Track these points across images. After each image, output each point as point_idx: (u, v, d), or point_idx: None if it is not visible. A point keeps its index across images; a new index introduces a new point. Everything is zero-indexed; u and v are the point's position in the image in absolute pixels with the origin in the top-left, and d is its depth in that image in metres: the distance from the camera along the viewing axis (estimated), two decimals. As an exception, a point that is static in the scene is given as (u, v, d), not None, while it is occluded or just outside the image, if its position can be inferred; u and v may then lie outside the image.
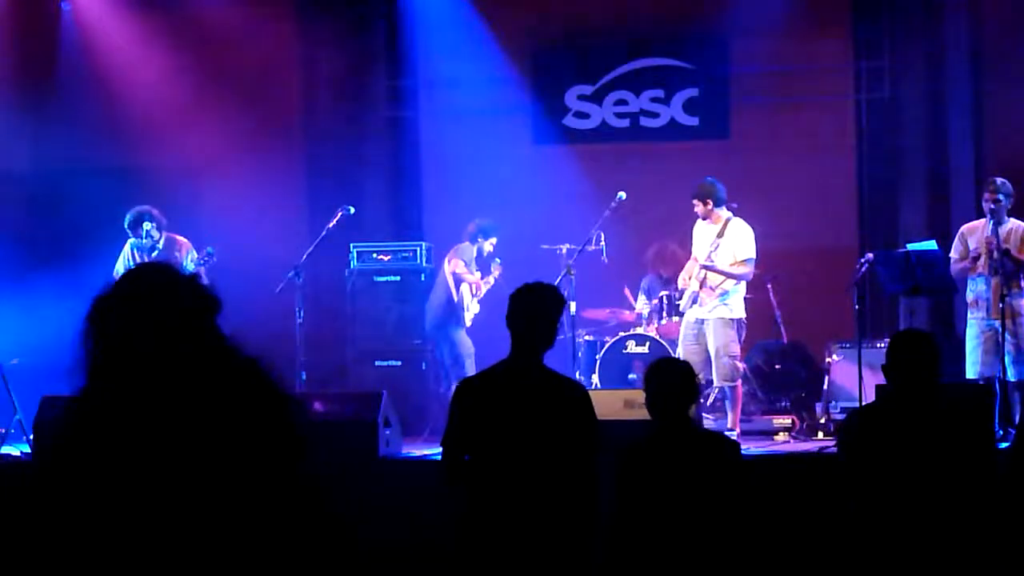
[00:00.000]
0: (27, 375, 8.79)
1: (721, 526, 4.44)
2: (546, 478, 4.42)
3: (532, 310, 4.58)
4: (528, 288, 4.69)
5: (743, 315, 8.56)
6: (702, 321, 8.52)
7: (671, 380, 4.60)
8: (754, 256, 8.54)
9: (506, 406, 4.50)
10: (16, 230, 10.82)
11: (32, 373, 8.60)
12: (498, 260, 9.82)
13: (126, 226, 8.98)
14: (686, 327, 8.65)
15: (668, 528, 4.45)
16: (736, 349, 8.50)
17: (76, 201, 10.60)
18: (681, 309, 8.78)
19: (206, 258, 8.88)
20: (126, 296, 2.23)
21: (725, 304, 8.47)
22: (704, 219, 8.63)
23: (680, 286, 8.82)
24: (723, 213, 8.59)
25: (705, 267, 8.46)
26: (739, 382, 8.54)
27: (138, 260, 8.90)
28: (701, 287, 8.50)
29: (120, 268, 8.85)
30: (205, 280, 2.43)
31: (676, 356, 8.59)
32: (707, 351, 8.47)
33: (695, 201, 8.59)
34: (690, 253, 8.81)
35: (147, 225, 8.91)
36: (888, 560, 4.47)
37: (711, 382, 8.59)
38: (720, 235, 8.53)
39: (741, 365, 8.71)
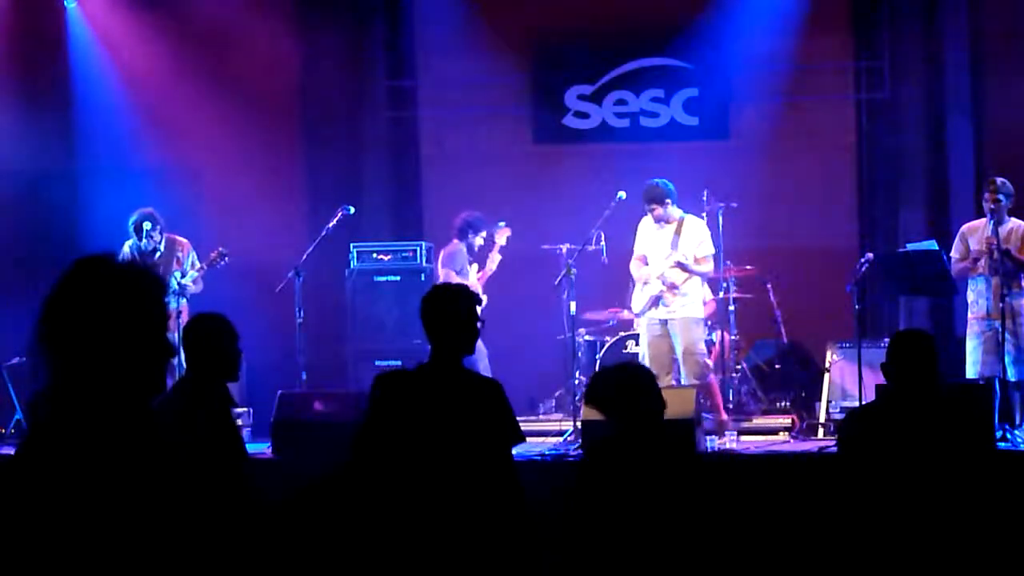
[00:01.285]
0: (27, 375, 8.79)
1: (681, 521, 4.44)
2: (469, 476, 4.35)
3: (445, 313, 4.42)
4: (438, 290, 4.58)
5: (704, 313, 8.65)
6: (665, 322, 8.49)
7: (631, 383, 4.63)
8: (714, 251, 8.59)
9: (425, 409, 4.37)
10: (17, 229, 10.82)
11: (32, 373, 8.59)
12: (498, 248, 9.48)
13: (130, 228, 9.02)
14: (648, 329, 8.59)
15: (628, 525, 4.45)
16: (703, 347, 8.53)
17: (78, 200, 10.60)
18: (637, 312, 8.70)
19: (219, 259, 8.92)
20: (74, 293, 2.24)
21: (692, 303, 8.51)
22: (659, 221, 8.57)
23: (640, 285, 8.67)
24: (676, 212, 8.59)
25: (680, 265, 8.41)
26: (711, 376, 8.54)
27: (137, 261, 8.94)
28: (665, 287, 8.48)
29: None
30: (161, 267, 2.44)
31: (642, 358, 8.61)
32: (674, 351, 8.47)
33: (652, 205, 8.51)
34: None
35: (147, 226, 8.97)
36: (888, 559, 4.47)
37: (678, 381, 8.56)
38: (678, 233, 8.53)
39: (710, 362, 8.72)
